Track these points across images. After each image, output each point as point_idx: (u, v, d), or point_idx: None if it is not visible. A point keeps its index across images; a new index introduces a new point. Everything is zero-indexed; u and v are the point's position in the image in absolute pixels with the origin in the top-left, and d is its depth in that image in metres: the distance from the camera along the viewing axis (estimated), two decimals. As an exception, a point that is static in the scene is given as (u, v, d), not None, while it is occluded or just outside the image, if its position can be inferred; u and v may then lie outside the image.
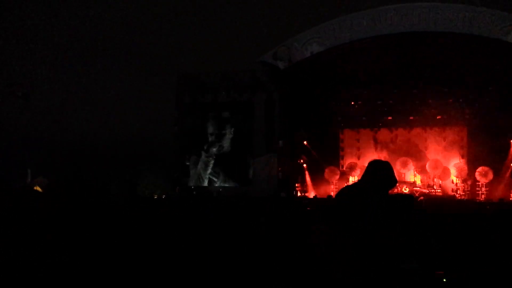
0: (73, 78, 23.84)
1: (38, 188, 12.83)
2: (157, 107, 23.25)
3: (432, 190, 19.35)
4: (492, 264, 3.99)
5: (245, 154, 20.17)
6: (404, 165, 19.70)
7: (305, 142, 20.27)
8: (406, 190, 19.04)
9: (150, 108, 24.05)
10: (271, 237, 4.87)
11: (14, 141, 18.53)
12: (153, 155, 22.16)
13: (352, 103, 20.38)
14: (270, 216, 5.69)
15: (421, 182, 19.92)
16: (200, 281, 4.54)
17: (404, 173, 19.81)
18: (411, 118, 20.12)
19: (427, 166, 19.73)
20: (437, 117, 19.84)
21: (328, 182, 20.32)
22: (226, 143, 20.10)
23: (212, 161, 20.08)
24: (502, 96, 18.08)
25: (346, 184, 18.11)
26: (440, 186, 19.64)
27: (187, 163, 20.23)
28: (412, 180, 19.97)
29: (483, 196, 18.64)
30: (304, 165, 20.26)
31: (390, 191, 4.42)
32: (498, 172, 18.58)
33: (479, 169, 18.77)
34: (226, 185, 20.05)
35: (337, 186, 19.75)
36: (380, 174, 4.21)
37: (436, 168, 19.66)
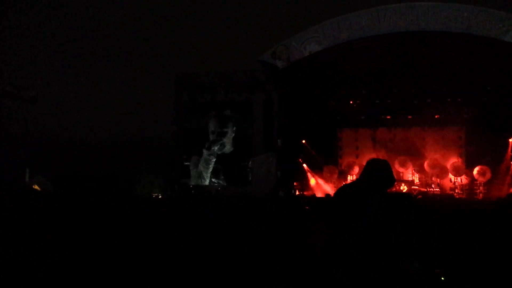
0: (71, 78, 23.83)
1: (36, 187, 12.84)
2: (156, 106, 23.24)
3: (430, 189, 19.40)
4: (492, 264, 4.01)
5: (244, 153, 20.15)
6: (403, 164, 19.74)
7: (303, 141, 20.29)
8: (404, 189, 19.08)
9: (148, 108, 24.05)
10: (271, 237, 4.88)
11: (13, 140, 18.51)
12: (151, 154, 22.15)
13: (351, 102, 20.41)
14: (270, 216, 5.70)
15: (419, 181, 19.97)
16: (200, 281, 4.55)
17: (403, 172, 19.85)
18: (410, 117, 20.18)
19: (425, 165, 19.78)
20: (436, 117, 19.90)
21: (326, 181, 20.34)
22: (228, 142, 20.04)
23: (214, 159, 20.03)
24: (500, 96, 18.12)
25: (344, 183, 18.21)
26: (438, 185, 19.69)
27: (186, 163, 20.19)
28: (410, 179, 20.02)
29: (481, 195, 18.70)
30: (303, 164, 20.28)
31: (388, 190, 4.42)
32: (496, 171, 18.63)
33: (477, 168, 18.82)
34: (225, 184, 20.03)
35: (335, 185, 19.77)
36: (378, 173, 4.21)
37: (434, 167, 19.71)
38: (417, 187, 19.39)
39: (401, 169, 19.66)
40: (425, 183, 19.79)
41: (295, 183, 19.78)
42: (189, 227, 5.00)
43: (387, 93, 19.78)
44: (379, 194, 4.16)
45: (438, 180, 19.77)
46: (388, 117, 20.33)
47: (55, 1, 23.56)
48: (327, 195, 18.57)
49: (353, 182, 4.71)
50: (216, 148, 19.90)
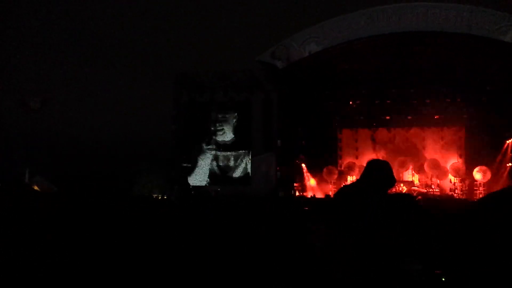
0: (71, 79, 23.83)
1: (35, 187, 12.84)
2: (155, 106, 23.25)
3: (430, 190, 19.39)
4: (492, 264, 4.01)
5: (244, 153, 20.14)
6: (402, 164, 19.73)
7: (303, 142, 20.29)
8: (404, 189, 19.07)
9: (148, 108, 24.06)
10: (271, 237, 4.88)
11: (13, 140, 18.50)
12: (151, 154, 22.17)
13: (350, 102, 20.40)
14: (270, 216, 5.70)
15: (419, 181, 19.97)
16: (200, 281, 4.55)
17: (402, 173, 19.84)
18: (409, 117, 20.16)
19: (425, 165, 19.77)
20: (435, 117, 19.89)
21: (326, 181, 20.32)
22: (229, 129, 20.04)
23: (214, 152, 20.07)
24: (500, 96, 18.12)
25: (344, 184, 18.20)
26: (438, 185, 19.68)
27: (184, 165, 20.19)
28: (410, 179, 20.01)
29: (480, 196, 18.67)
30: (303, 164, 20.27)
31: (389, 191, 4.42)
32: (496, 172, 18.62)
33: (477, 168, 18.81)
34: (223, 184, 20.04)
35: (335, 186, 19.77)
36: (379, 173, 4.21)
37: (434, 167, 19.70)
38: (416, 188, 19.38)
39: (400, 170, 19.65)
40: (424, 184, 19.78)
41: (295, 184, 19.77)
42: (189, 227, 5.00)
43: (387, 94, 19.77)
44: (379, 194, 4.16)
45: (438, 181, 19.76)
46: (388, 117, 20.32)
47: (54, 2, 23.57)
48: (327, 195, 18.57)
49: (354, 183, 4.72)
50: (216, 138, 19.90)
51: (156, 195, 19.15)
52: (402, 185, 19.23)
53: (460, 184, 19.42)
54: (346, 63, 18.19)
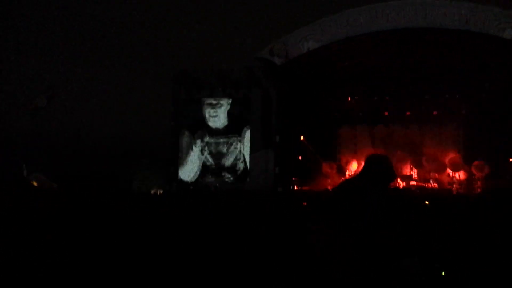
0: (69, 75, 23.77)
1: (34, 183, 12.83)
2: (154, 104, 23.22)
3: (428, 184, 19.43)
4: (492, 264, 4.02)
5: (242, 149, 20.15)
6: (401, 160, 19.75)
7: (302, 138, 20.27)
8: (402, 184, 19.11)
9: (147, 105, 24.02)
10: (271, 237, 4.88)
11: (9, 137, 18.46)
12: (150, 151, 22.14)
13: (349, 99, 20.41)
14: (270, 216, 5.71)
15: (417, 176, 20.00)
16: (200, 281, 4.55)
17: (401, 168, 19.86)
18: (408, 113, 20.18)
19: (423, 160, 19.81)
20: (434, 113, 19.91)
21: (325, 177, 20.32)
22: (223, 114, 20.11)
23: (207, 138, 20.12)
24: (498, 93, 18.14)
25: (343, 179, 18.23)
26: (436, 180, 19.72)
27: (183, 161, 20.22)
28: (408, 174, 20.03)
29: (478, 190, 18.72)
30: (301, 160, 20.24)
31: (389, 185, 4.41)
32: (494, 167, 18.65)
33: (475, 163, 18.86)
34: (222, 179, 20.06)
35: (334, 181, 19.75)
36: (378, 166, 4.20)
37: (432, 162, 19.75)
38: (415, 182, 19.43)
39: (399, 165, 19.66)
40: (423, 178, 19.82)
41: (293, 179, 19.74)
42: (189, 227, 5.01)
43: (385, 90, 19.79)
44: (378, 193, 4.15)
45: (436, 175, 19.80)
46: (386, 113, 20.34)
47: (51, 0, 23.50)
48: (326, 189, 18.56)
49: (353, 178, 4.71)
50: (209, 123, 19.94)
51: (155, 191, 19.15)
52: (399, 180, 19.24)
53: (458, 178, 19.46)
54: (345, 60, 18.19)
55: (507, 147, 18.16)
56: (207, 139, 20.23)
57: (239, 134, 20.03)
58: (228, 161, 20.08)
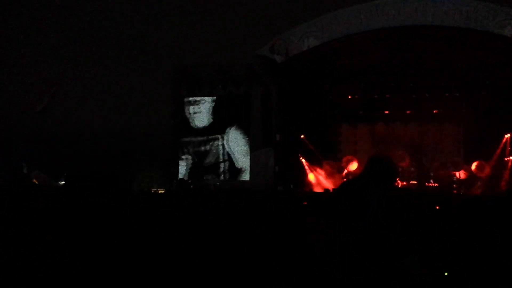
0: (69, 73, 23.76)
1: (35, 181, 12.82)
2: (154, 100, 23.22)
3: (428, 184, 19.40)
4: (492, 264, 4.02)
5: (242, 147, 20.13)
6: (401, 159, 19.73)
7: (302, 136, 20.26)
8: (402, 183, 19.09)
9: (147, 102, 24.02)
10: (271, 236, 4.89)
11: (9, 135, 18.47)
12: (151, 149, 22.15)
13: (349, 97, 20.39)
14: (270, 216, 5.71)
15: (417, 175, 19.96)
16: (200, 281, 4.55)
17: (401, 167, 19.83)
18: (408, 112, 20.16)
19: (423, 160, 19.78)
20: (434, 111, 19.89)
21: (325, 176, 20.29)
22: (206, 111, 20.14)
23: (211, 145, 20.13)
24: (499, 90, 18.10)
25: (345, 179, 18.21)
26: (437, 179, 19.68)
27: (182, 159, 20.22)
28: (409, 173, 20.00)
29: (479, 190, 18.69)
30: (301, 158, 20.23)
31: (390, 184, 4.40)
32: (494, 166, 18.62)
33: (476, 163, 18.82)
34: (222, 178, 20.06)
35: (334, 180, 19.73)
36: (379, 166, 4.20)
37: (433, 161, 19.72)
38: (415, 182, 19.40)
39: (399, 164, 19.64)
40: (423, 177, 19.78)
41: (293, 178, 19.73)
42: (189, 227, 5.01)
43: (386, 88, 19.77)
44: (378, 193, 4.15)
45: (437, 174, 19.76)
46: (387, 112, 20.32)
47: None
48: (326, 190, 18.55)
49: (355, 178, 4.70)
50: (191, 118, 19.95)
51: (155, 189, 19.16)
52: (397, 179, 19.21)
53: (459, 178, 19.42)
54: (345, 57, 18.17)
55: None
56: (188, 138, 20.26)
57: (223, 132, 20.03)
58: (208, 160, 20.12)
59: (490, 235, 4.40)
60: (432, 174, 19.71)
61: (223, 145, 20.06)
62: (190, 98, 20.32)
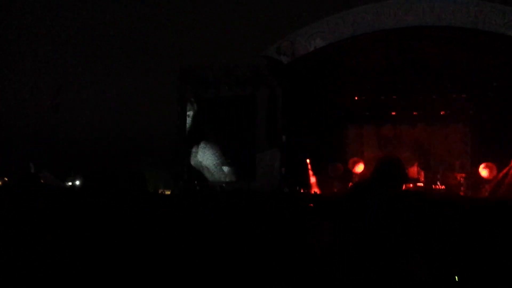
0: (76, 75, 23.87)
1: (42, 181, 12.87)
2: (160, 102, 23.32)
3: (435, 186, 19.29)
4: (492, 264, 3.99)
5: (248, 149, 20.13)
6: (408, 161, 19.62)
7: (308, 138, 20.19)
8: (408, 186, 18.99)
9: (153, 103, 24.10)
10: (271, 237, 4.87)
11: (16, 136, 18.57)
12: (156, 150, 22.21)
13: (356, 98, 20.32)
14: (270, 216, 5.70)
15: (424, 178, 19.85)
16: (200, 282, 4.54)
17: (408, 169, 19.73)
18: (415, 113, 20.06)
19: (430, 162, 19.69)
20: (441, 113, 19.79)
21: (331, 178, 20.21)
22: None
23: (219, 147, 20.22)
24: (506, 92, 17.99)
25: (355, 182, 18.11)
26: (443, 182, 19.57)
27: (189, 160, 20.28)
28: (415, 176, 19.89)
29: (486, 193, 18.56)
30: (307, 160, 20.15)
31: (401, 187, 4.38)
32: (502, 168, 18.48)
33: (483, 165, 18.69)
34: (228, 180, 20.06)
35: (340, 182, 19.65)
36: (388, 168, 4.17)
37: (440, 164, 19.62)
38: (422, 184, 19.29)
39: (406, 166, 19.50)
40: (430, 180, 19.66)
41: (299, 180, 19.65)
42: (189, 227, 5.00)
43: (392, 89, 19.68)
44: (381, 194, 4.12)
45: (444, 177, 19.64)
46: (393, 113, 20.23)
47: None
48: (333, 193, 18.47)
49: (363, 181, 4.68)
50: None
51: (161, 190, 19.20)
52: (407, 183, 19.09)
53: (466, 180, 19.28)
54: (352, 59, 18.11)
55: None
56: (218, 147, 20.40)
57: (252, 144, 20.10)
58: (240, 169, 20.18)
59: (490, 235, 4.38)
60: (439, 177, 19.60)
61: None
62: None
